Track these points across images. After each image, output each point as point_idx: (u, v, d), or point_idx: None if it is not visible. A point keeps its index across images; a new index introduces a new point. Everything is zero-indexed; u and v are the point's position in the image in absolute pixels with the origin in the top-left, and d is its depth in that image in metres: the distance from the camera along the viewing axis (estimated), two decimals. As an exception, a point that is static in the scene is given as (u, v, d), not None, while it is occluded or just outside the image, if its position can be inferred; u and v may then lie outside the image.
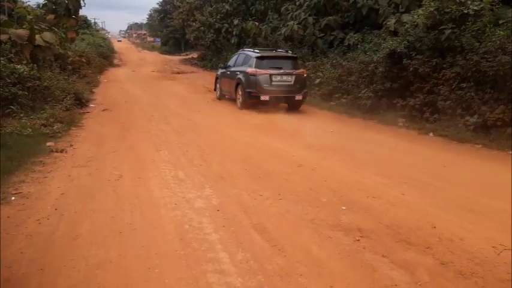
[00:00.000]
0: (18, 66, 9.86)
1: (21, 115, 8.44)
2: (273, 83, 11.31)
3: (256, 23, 20.02)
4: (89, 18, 47.47)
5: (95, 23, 78.78)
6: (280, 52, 12.76)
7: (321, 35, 16.62)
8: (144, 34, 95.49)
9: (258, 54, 11.81)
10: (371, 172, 6.03)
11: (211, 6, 28.22)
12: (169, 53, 50.41)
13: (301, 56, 16.31)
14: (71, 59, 15.02)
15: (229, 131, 8.86)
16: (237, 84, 12.06)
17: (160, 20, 63.29)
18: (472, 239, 3.86)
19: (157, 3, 68.83)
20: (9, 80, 9.22)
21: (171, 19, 46.85)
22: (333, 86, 13.12)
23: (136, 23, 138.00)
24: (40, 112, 8.94)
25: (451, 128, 8.82)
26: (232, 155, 6.87)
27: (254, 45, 20.62)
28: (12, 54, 9.82)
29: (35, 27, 8.06)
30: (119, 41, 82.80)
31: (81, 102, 11.50)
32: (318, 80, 13.97)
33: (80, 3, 10.18)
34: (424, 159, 7.02)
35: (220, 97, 13.90)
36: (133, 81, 19.88)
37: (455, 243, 3.76)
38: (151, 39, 77.00)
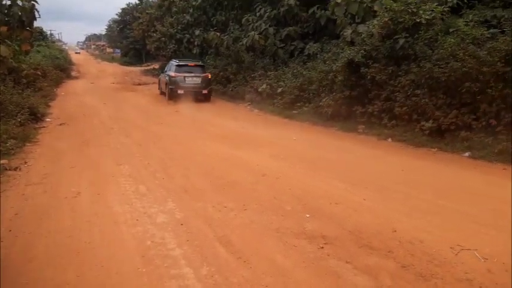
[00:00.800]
0: None
1: None
2: (186, 82, 16.44)
3: (218, 34, 19.84)
4: (44, 29, 44.87)
5: (51, 34, 72.95)
6: (194, 61, 18.26)
7: (282, 45, 16.93)
8: (103, 45, 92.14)
9: (178, 63, 17.16)
10: (333, 178, 6.12)
11: (172, 17, 27.79)
12: (130, 64, 49.29)
13: (262, 66, 16.54)
14: (25, 72, 14.34)
15: (192, 142, 8.74)
16: (165, 83, 17.21)
17: (119, 30, 61.55)
18: (431, 241, 3.97)
19: (116, 14, 66.53)
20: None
21: (131, 30, 45.67)
22: (294, 95, 13.30)
23: (95, 34, 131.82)
24: None
25: (408, 133, 9.10)
26: (196, 167, 6.77)
27: (216, 55, 20.65)
28: None
29: None
30: (77, 52, 79.86)
31: (36, 117, 11.05)
32: (280, 90, 14.14)
33: (34, 15, 9.70)
34: (384, 164, 7.20)
35: (161, 93, 18.80)
36: (92, 93, 19.23)
37: (415, 246, 3.86)
38: (111, 50, 74.71)
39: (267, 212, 4.74)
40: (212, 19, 23.17)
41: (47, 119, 11.60)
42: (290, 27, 16.69)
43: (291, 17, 16.78)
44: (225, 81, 18.62)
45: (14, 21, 9.38)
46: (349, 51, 10.94)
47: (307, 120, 11.83)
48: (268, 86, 14.82)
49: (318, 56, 14.11)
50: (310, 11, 15.73)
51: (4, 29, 9.40)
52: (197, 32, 23.64)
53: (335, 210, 4.80)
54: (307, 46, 15.62)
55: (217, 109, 14.89)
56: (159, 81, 20.10)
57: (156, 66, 37.03)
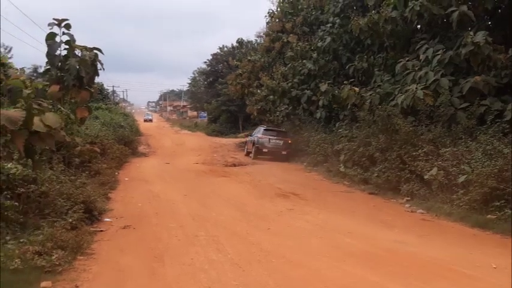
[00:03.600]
0: (9, 165, 7.67)
1: (7, 237, 6.83)
2: (270, 143, 21.04)
3: (356, 89, 15.00)
4: (105, 86, 35.98)
5: (114, 92, 58.89)
6: (278, 129, 22.23)
7: (464, 104, 11.65)
8: (184, 107, 77.70)
9: (265, 128, 22.25)
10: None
11: (286, 65, 21.93)
12: (221, 133, 41.10)
13: (431, 139, 11.69)
14: (79, 148, 10.71)
15: (319, 264, 6.71)
16: (253, 143, 21.92)
17: (207, 86, 49.67)
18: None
19: (204, 62, 52.39)
20: (-8, 185, 7.21)
21: (224, 85, 37.34)
22: (489, 188, 8.97)
23: (172, 91, 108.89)
24: (34, 232, 7.20)
25: None
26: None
27: (353, 121, 15.97)
28: None
29: (34, 106, 6.23)
30: (147, 120, 62.58)
31: (92, 214, 9.06)
32: (462, 178, 9.64)
33: (96, 69, 7.55)
34: None
35: (247, 154, 22.96)
36: (167, 179, 15.77)
37: None
38: (194, 113, 63.50)
39: None
40: (347, 67, 17.64)
41: (106, 219, 9.59)
42: (477, 77, 11.45)
43: (479, 62, 11.56)
44: (366, 162, 13.97)
45: (69, 78, 7.18)
46: None
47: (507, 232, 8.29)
48: (442, 172, 10.31)
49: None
50: (512, 52, 10.66)
51: (55, 89, 7.33)
52: (323, 87, 17.59)
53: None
54: (509, 107, 10.68)
55: (354, 206, 11.33)
56: (245, 143, 24.31)
57: None
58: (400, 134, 12.60)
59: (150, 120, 64.36)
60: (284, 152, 20.71)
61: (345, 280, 5.96)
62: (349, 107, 15.76)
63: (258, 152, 21.01)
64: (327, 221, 9.43)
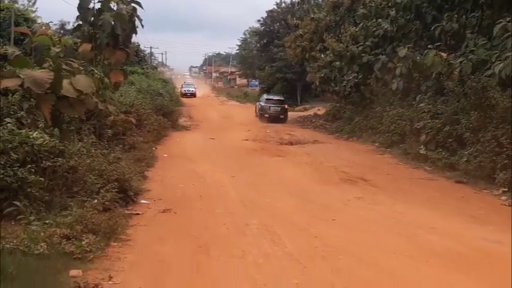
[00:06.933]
0: (35, 134, 7.17)
1: (31, 217, 6.39)
2: (270, 109, 26.52)
3: (443, 55, 13.19)
4: (141, 47, 33.18)
5: (151, 54, 51.78)
6: (277, 97, 28.47)
7: None
8: (232, 73, 67.73)
9: (266, 96, 28.74)
10: None
11: (356, 24, 19.66)
12: None
13: None
14: (112, 118, 9.97)
15: (395, 265, 6.11)
16: (258, 109, 28.09)
17: (261, 49, 43.27)
18: None
19: (258, 21, 46.10)
20: (15, 156, 6.78)
21: (281, 48, 33.27)
22: None
23: (218, 54, 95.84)
24: (60, 212, 6.84)
25: None
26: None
27: (438, 93, 14.55)
28: (22, 113, 6.56)
29: (64, 67, 5.92)
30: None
31: (126, 195, 8.46)
32: None
33: (134, 26, 6.98)
34: None
35: (256, 116, 28.07)
36: (213, 158, 14.76)
37: None
38: (244, 81, 56.17)
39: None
40: (432, 28, 15.26)
41: (143, 201, 8.97)
42: None
43: None
44: (454, 144, 12.61)
45: (102, 35, 6.70)
46: None
47: None
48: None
49: None
50: None
51: (87, 47, 6.87)
52: (402, 52, 15.00)
53: None
54: None
55: (438, 197, 10.14)
56: (255, 107, 29.22)
57: (321, 110, 28.31)
58: (497, 110, 11.49)
59: (193, 95, 46.25)
60: (282, 116, 26.21)
61: (429, 285, 5.48)
62: (433, 76, 14.18)
63: (261, 116, 26.41)
64: (404, 214, 8.50)
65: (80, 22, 7.38)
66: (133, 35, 7.36)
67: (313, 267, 5.89)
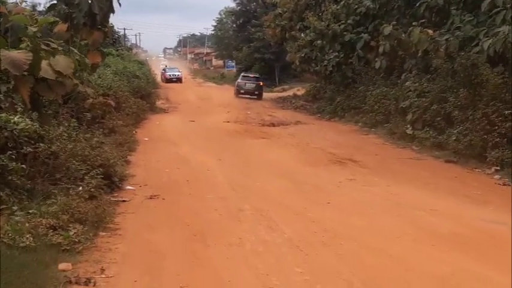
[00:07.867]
0: (15, 118, 6.86)
1: (14, 207, 6.17)
2: (245, 86, 28.93)
3: (429, 31, 12.88)
4: (115, 28, 31.53)
5: (125, 35, 48.57)
6: (253, 75, 31.22)
7: None
8: (207, 54, 65.11)
9: (243, 74, 31.07)
10: None
11: (337, 2, 19.18)
12: None
13: None
14: (90, 101, 9.42)
15: (401, 250, 5.84)
16: (235, 85, 30.40)
17: (237, 29, 41.41)
18: None
19: (234, 0, 43.95)
20: (-7, 142, 6.58)
21: (258, 28, 32.47)
22: None
23: (193, 35, 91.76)
24: (44, 201, 6.52)
25: None
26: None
27: (423, 71, 14.24)
28: (0, 96, 5.87)
29: (42, 47, 5.34)
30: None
31: (111, 181, 8.01)
32: None
33: (112, 5, 6.47)
34: None
35: (235, 95, 29.42)
36: (195, 141, 14.19)
37: None
38: (220, 62, 54.22)
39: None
40: (417, 5, 14.86)
41: (128, 186, 8.54)
42: None
43: None
44: (442, 123, 12.44)
45: (79, 15, 6.11)
46: None
47: None
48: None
49: None
50: None
51: (63, 28, 6.30)
52: (387, 30, 14.55)
53: None
54: None
55: (429, 177, 9.93)
56: (235, 87, 30.43)
57: (301, 91, 27.82)
58: (487, 87, 11.29)
59: (179, 79, 41.68)
60: (256, 92, 28.37)
61: (440, 269, 5.16)
62: (419, 54, 13.78)
63: (238, 92, 28.72)
64: (399, 195, 8.25)
65: (55, 1, 6.79)
66: (111, 14, 6.81)
67: (315, 254, 5.64)
